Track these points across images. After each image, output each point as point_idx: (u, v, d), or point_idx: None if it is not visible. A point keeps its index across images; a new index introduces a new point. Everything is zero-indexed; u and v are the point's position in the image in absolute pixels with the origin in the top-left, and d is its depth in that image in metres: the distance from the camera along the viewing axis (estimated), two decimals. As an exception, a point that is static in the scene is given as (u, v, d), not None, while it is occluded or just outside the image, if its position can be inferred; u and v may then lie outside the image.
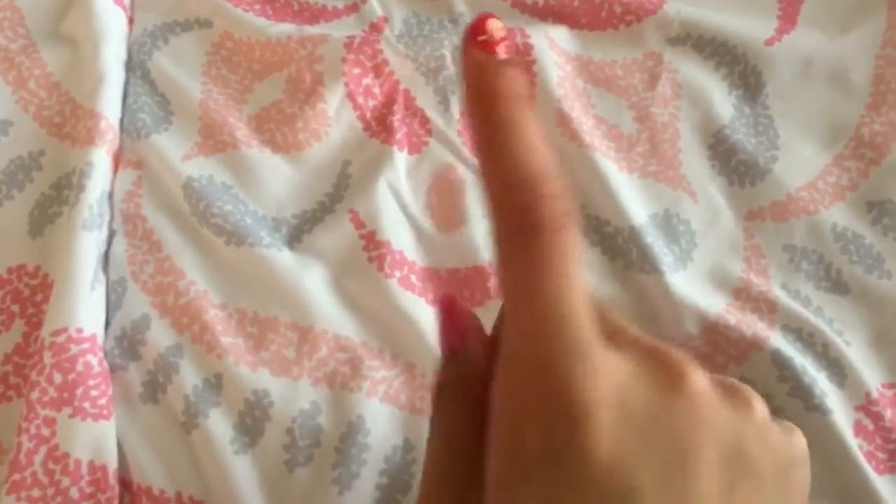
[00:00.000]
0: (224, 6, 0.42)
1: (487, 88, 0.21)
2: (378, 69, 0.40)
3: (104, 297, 0.35)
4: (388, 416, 0.33)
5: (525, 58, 0.39)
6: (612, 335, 0.21)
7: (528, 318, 0.20)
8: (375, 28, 0.42)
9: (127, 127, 0.39)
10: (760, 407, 0.22)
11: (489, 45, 0.21)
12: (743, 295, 0.35)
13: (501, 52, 0.21)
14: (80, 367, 0.32)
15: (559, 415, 0.19)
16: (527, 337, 0.20)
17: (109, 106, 0.38)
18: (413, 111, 0.39)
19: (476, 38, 0.21)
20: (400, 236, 0.36)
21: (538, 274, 0.20)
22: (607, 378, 0.19)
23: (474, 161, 0.38)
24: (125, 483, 0.32)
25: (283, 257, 0.35)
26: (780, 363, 0.33)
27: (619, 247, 0.36)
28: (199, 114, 0.39)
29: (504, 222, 0.21)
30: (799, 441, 0.22)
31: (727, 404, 0.21)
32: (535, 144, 0.21)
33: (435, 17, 0.42)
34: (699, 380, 0.21)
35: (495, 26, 0.21)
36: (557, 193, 0.20)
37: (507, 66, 0.21)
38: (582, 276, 0.20)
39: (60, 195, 0.37)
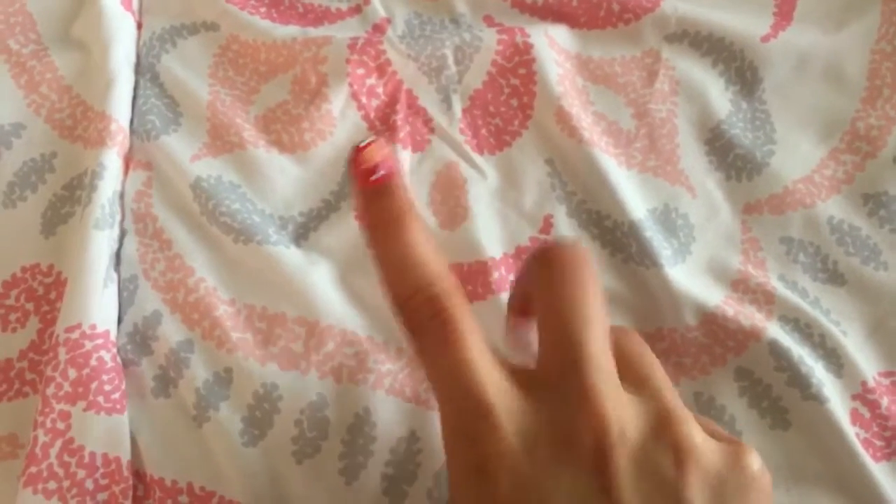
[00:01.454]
0: (230, 9, 0.42)
1: (366, 217, 0.26)
2: (381, 69, 0.40)
3: (116, 295, 0.36)
4: (394, 408, 0.33)
5: (524, 56, 0.40)
6: (635, 381, 0.24)
7: (443, 396, 0.24)
8: (378, 29, 0.42)
9: (137, 129, 0.40)
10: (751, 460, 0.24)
11: (368, 173, 0.25)
12: (741, 287, 0.36)
13: (380, 173, 0.25)
14: (93, 363, 0.33)
15: (470, 467, 0.22)
16: (445, 411, 0.24)
17: (119, 108, 0.39)
18: (416, 110, 0.40)
19: (358, 168, 0.25)
20: (404, 233, 0.37)
21: (437, 362, 0.24)
22: (514, 426, 0.22)
23: (476, 159, 0.39)
24: (138, 474, 0.33)
25: (290, 254, 0.36)
26: (778, 353, 0.34)
27: (618, 241, 0.37)
28: (206, 115, 0.40)
29: (402, 327, 0.25)
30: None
31: (720, 456, 0.23)
32: (410, 254, 0.25)
33: (436, 18, 0.43)
34: (695, 433, 0.23)
35: (370, 155, 0.25)
36: (434, 292, 0.24)
37: (381, 192, 0.25)
38: (484, 344, 0.24)
39: (73, 196, 0.38)
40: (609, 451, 0.21)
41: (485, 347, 0.24)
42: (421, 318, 0.24)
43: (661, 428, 0.23)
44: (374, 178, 0.25)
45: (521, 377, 0.24)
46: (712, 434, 0.24)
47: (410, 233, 0.25)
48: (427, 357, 0.24)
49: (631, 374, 0.25)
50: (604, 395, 0.22)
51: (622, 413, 0.22)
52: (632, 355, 0.25)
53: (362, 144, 0.25)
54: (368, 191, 0.25)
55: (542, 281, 0.25)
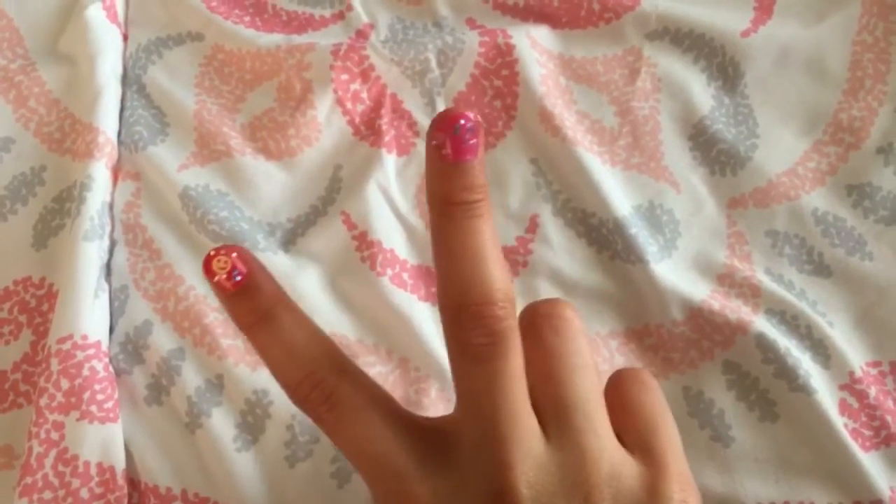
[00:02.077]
0: (215, 19, 0.43)
1: (238, 321, 0.25)
2: (365, 74, 0.41)
3: (107, 305, 0.36)
4: (385, 410, 0.34)
5: (507, 58, 0.40)
6: (635, 438, 0.24)
7: (358, 469, 0.24)
8: (362, 35, 0.43)
9: (125, 140, 0.40)
10: None
11: (226, 282, 0.24)
12: (727, 281, 0.36)
13: (237, 277, 0.24)
14: (86, 373, 0.33)
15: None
16: (365, 479, 0.24)
17: (107, 120, 0.39)
18: (400, 114, 0.40)
19: (212, 280, 0.24)
20: (391, 236, 0.37)
21: (341, 443, 0.24)
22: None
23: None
24: (133, 483, 0.33)
25: (278, 260, 0.37)
26: (765, 346, 0.34)
27: (604, 238, 0.37)
28: (193, 124, 0.40)
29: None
30: None
31: None
32: (287, 345, 0.25)
33: (419, 22, 0.43)
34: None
35: (219, 266, 0.24)
36: (318, 379, 0.24)
37: (244, 294, 0.25)
38: (386, 411, 0.24)
39: (63, 208, 0.38)
40: None
41: (387, 415, 0.24)
42: (311, 405, 0.24)
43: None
44: (232, 283, 0.24)
45: (432, 435, 0.24)
46: None
47: (282, 324, 0.25)
48: (332, 438, 0.25)
49: (631, 429, 0.24)
50: (517, 472, 0.22)
51: (540, 489, 0.22)
52: (635, 406, 0.25)
53: (210, 255, 0.24)
54: (231, 297, 0.25)
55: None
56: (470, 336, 0.22)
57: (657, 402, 0.25)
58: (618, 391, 0.25)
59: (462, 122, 0.22)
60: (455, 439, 0.23)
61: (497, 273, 0.23)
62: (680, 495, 0.23)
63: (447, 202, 0.23)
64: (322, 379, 0.24)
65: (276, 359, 0.25)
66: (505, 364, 0.23)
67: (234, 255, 0.24)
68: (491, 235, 0.23)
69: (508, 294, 0.23)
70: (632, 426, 0.24)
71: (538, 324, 0.25)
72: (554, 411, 0.23)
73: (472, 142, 0.23)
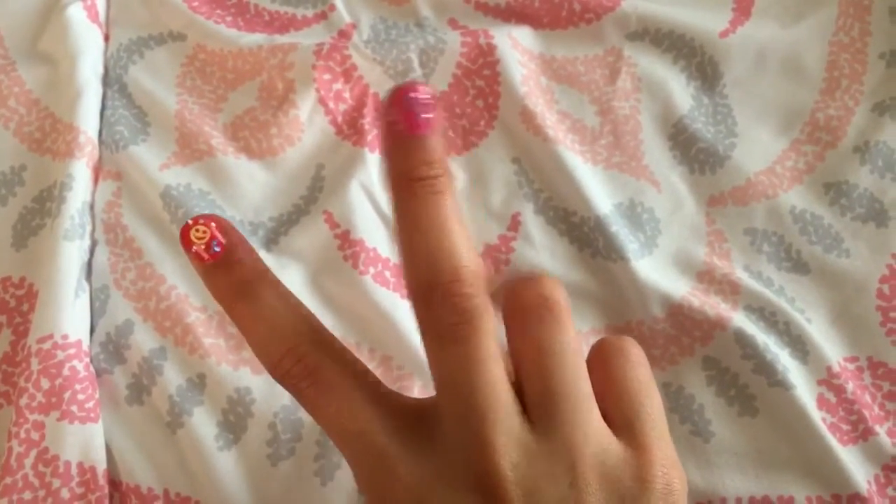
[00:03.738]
0: (196, 19, 0.43)
1: (217, 293, 0.25)
2: (347, 74, 0.41)
3: (88, 305, 0.36)
4: (367, 408, 0.34)
5: (489, 58, 0.41)
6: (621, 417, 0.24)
7: (338, 444, 0.24)
8: (344, 35, 0.43)
9: (105, 139, 0.40)
10: None
11: (203, 253, 0.24)
12: (706, 278, 0.37)
13: (215, 249, 0.24)
14: (66, 372, 0.33)
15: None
16: (345, 456, 0.24)
17: (87, 120, 0.39)
18: (383, 113, 0.40)
19: (190, 251, 0.24)
20: (373, 234, 0.37)
21: (321, 419, 0.24)
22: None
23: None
24: (114, 483, 0.33)
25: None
26: (743, 342, 0.34)
27: (585, 236, 0.37)
28: (175, 124, 0.40)
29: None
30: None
31: None
32: (267, 319, 0.24)
33: (401, 22, 0.44)
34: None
35: (199, 235, 0.24)
36: (300, 353, 0.23)
37: (224, 266, 0.24)
38: (367, 388, 0.24)
39: (43, 208, 0.38)
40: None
41: (370, 392, 0.24)
42: (293, 381, 0.23)
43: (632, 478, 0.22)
44: (210, 254, 0.24)
45: (415, 415, 0.24)
46: None
47: (263, 299, 0.24)
48: (313, 414, 0.24)
49: (616, 409, 0.24)
50: (500, 453, 0.22)
51: (524, 472, 0.22)
52: (620, 384, 0.24)
53: (188, 224, 0.24)
54: (209, 269, 0.24)
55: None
56: (440, 316, 0.22)
57: (643, 379, 0.25)
58: (603, 366, 0.25)
59: (412, 94, 0.22)
60: (437, 420, 0.23)
61: (463, 250, 0.22)
62: (663, 479, 0.23)
63: (406, 177, 0.22)
64: (304, 354, 0.23)
65: (256, 334, 0.24)
66: (478, 343, 0.22)
67: (213, 224, 0.24)
68: (454, 211, 0.23)
69: (477, 270, 0.22)
70: (617, 406, 0.24)
71: (522, 314, 0.24)
72: (539, 399, 0.23)
73: (426, 115, 0.22)
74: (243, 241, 0.24)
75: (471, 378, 0.22)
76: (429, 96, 0.22)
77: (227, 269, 0.24)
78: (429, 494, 0.22)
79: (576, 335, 0.23)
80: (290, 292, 0.25)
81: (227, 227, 0.24)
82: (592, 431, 0.23)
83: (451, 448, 0.22)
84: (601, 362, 0.25)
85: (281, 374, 0.24)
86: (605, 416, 0.23)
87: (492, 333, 0.22)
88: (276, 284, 0.25)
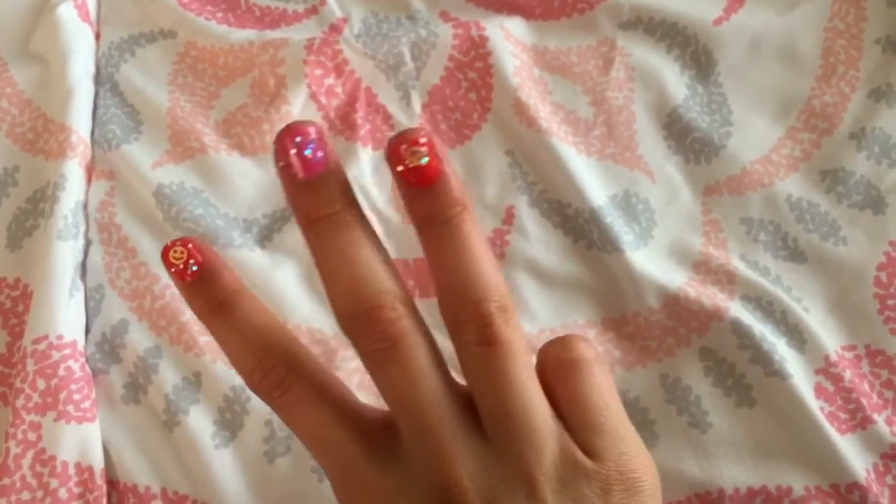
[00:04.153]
0: (187, 16, 0.43)
1: (196, 308, 0.26)
2: (339, 69, 0.41)
3: (83, 305, 0.36)
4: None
5: (481, 50, 0.40)
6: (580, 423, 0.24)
7: (313, 453, 0.25)
8: (335, 29, 0.43)
9: (98, 139, 0.40)
10: None
11: (183, 271, 0.25)
12: (703, 268, 0.36)
13: (193, 268, 0.25)
14: (62, 373, 0.33)
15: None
16: (320, 463, 0.25)
17: (79, 119, 0.39)
18: (375, 108, 0.40)
19: (170, 270, 0.25)
20: (367, 230, 0.37)
21: (294, 428, 0.25)
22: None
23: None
24: (112, 482, 0.33)
25: (254, 256, 0.36)
26: (740, 332, 0.34)
27: (580, 228, 0.37)
28: (167, 122, 0.40)
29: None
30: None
31: None
32: (243, 332, 0.25)
33: (393, 16, 0.43)
34: None
35: (176, 257, 0.25)
36: (269, 365, 0.24)
37: (202, 282, 0.25)
38: (334, 400, 0.25)
39: (36, 208, 0.38)
40: None
41: (339, 403, 0.25)
42: (265, 391, 0.25)
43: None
44: (190, 272, 0.25)
45: (381, 427, 0.25)
46: None
47: (237, 313, 0.25)
48: (287, 423, 0.25)
49: (573, 416, 0.24)
50: (457, 464, 0.22)
51: (481, 482, 0.22)
52: (574, 396, 0.25)
53: (167, 246, 0.25)
54: (189, 286, 0.25)
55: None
56: (367, 343, 0.23)
57: (597, 386, 0.25)
58: (558, 377, 0.25)
59: (298, 138, 0.22)
60: (399, 433, 0.24)
61: (380, 275, 0.23)
62: (624, 484, 0.23)
63: (310, 220, 0.23)
64: (274, 365, 0.24)
65: (231, 346, 0.25)
66: (409, 363, 0.23)
67: (190, 245, 0.25)
68: (365, 240, 0.23)
69: (398, 293, 0.23)
70: (574, 416, 0.24)
71: (466, 355, 0.24)
72: (491, 414, 0.23)
73: (319, 154, 0.22)
74: (219, 260, 0.25)
75: (411, 395, 0.23)
76: (315, 135, 0.22)
77: (204, 285, 0.25)
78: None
79: (522, 343, 0.24)
80: (265, 306, 0.26)
81: (203, 247, 0.25)
82: (546, 441, 0.23)
83: (412, 461, 0.23)
84: (555, 373, 0.25)
85: (254, 385, 0.25)
86: (565, 425, 0.24)
87: (423, 349, 0.23)
88: (251, 299, 0.26)
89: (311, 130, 0.22)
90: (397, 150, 0.22)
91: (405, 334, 0.23)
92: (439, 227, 0.23)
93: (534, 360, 0.25)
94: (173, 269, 0.25)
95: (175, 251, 0.25)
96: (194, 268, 0.25)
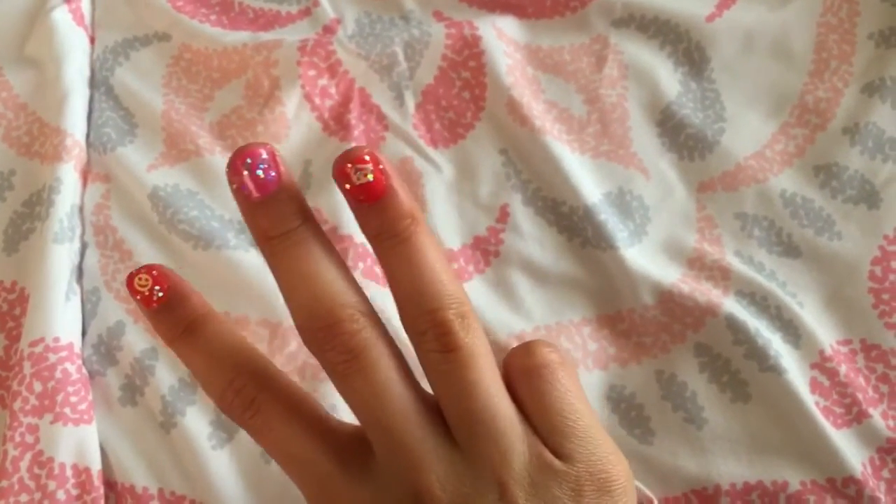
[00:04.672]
0: (181, 19, 0.43)
1: (162, 333, 0.26)
2: (332, 70, 0.41)
3: (79, 307, 0.36)
4: (359, 403, 0.34)
5: (474, 49, 0.40)
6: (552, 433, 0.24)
7: (285, 470, 0.25)
8: (328, 30, 0.43)
9: (93, 142, 0.40)
10: None
11: (149, 297, 0.25)
12: (697, 264, 0.36)
13: (159, 294, 0.25)
14: (58, 375, 0.33)
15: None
16: (293, 479, 0.25)
17: (75, 123, 0.39)
18: (369, 108, 0.40)
19: (136, 297, 0.26)
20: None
21: (265, 447, 0.25)
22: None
23: (431, 153, 0.39)
24: (110, 484, 0.33)
25: (249, 258, 0.37)
26: (735, 327, 0.34)
27: (575, 226, 0.37)
28: (162, 125, 0.40)
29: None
30: None
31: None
32: (211, 354, 0.25)
33: (386, 16, 0.43)
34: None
35: (141, 284, 0.26)
36: (238, 386, 0.24)
37: (168, 308, 0.26)
38: (306, 418, 0.25)
39: (33, 212, 0.38)
40: None
41: (310, 421, 0.25)
42: (236, 412, 0.25)
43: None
44: (155, 298, 0.25)
45: (352, 441, 0.25)
46: None
47: (204, 335, 0.25)
48: (260, 443, 0.25)
49: (542, 422, 0.24)
50: (429, 473, 0.23)
51: (453, 490, 0.23)
52: (541, 403, 0.25)
53: (132, 274, 0.26)
54: (155, 312, 0.25)
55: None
56: (330, 357, 0.23)
57: (563, 391, 0.25)
58: (524, 382, 0.25)
59: (249, 159, 0.22)
60: (370, 446, 0.24)
61: (338, 288, 0.23)
62: (594, 484, 0.23)
63: (266, 238, 0.23)
64: (243, 385, 0.24)
65: (199, 369, 0.25)
66: (373, 374, 0.23)
67: (154, 272, 0.25)
68: (323, 254, 0.23)
69: (358, 306, 0.23)
70: (542, 421, 0.24)
71: (428, 364, 0.24)
72: (458, 422, 0.23)
73: (271, 174, 0.23)
74: (183, 284, 0.26)
75: (377, 407, 0.23)
76: (266, 154, 0.23)
77: (170, 310, 0.25)
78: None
79: (483, 348, 0.24)
80: (233, 327, 0.26)
81: (168, 273, 0.26)
82: (514, 443, 0.23)
83: (384, 473, 0.23)
84: (520, 380, 0.25)
85: (226, 406, 0.25)
86: (534, 431, 0.24)
87: (386, 361, 0.23)
88: (218, 321, 0.26)
89: (262, 151, 0.23)
90: (343, 169, 0.23)
91: (367, 346, 0.23)
92: (391, 241, 0.23)
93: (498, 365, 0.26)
94: (139, 297, 0.25)
95: (140, 278, 0.25)
96: (160, 294, 0.25)
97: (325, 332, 0.23)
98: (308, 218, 0.24)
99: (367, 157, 0.23)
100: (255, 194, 0.23)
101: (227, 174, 0.23)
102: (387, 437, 0.23)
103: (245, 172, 0.23)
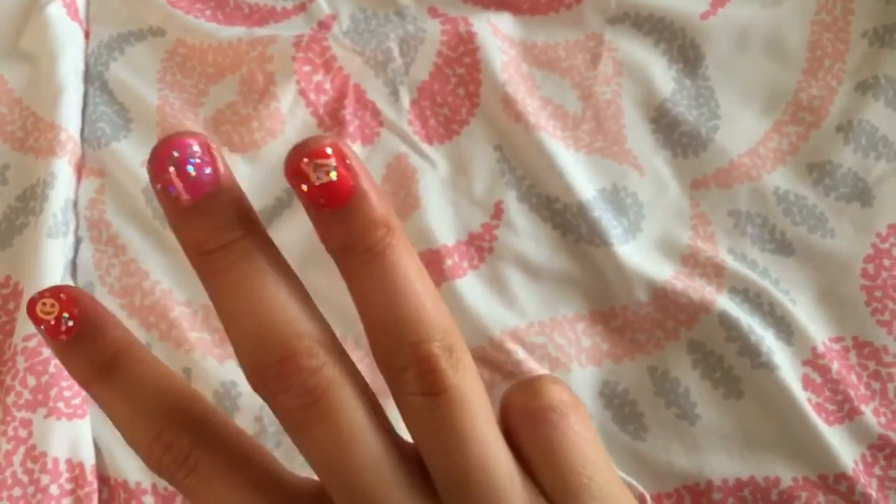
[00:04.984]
0: (176, 14, 0.43)
1: (74, 373, 0.20)
2: (327, 65, 0.41)
3: (73, 302, 0.36)
4: (353, 399, 0.34)
5: (469, 46, 0.40)
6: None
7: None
8: (324, 26, 0.43)
9: (88, 137, 0.40)
10: None
11: (56, 328, 0.20)
12: (690, 261, 0.37)
13: (68, 323, 0.20)
14: (52, 370, 0.33)
15: None
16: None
17: (69, 117, 0.39)
18: (364, 104, 0.40)
19: (39, 326, 0.20)
20: (356, 225, 0.37)
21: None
22: None
23: (426, 149, 0.39)
24: (103, 478, 0.33)
25: (244, 253, 0.37)
26: (728, 324, 0.34)
27: (568, 222, 0.37)
28: (156, 119, 0.40)
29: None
30: None
31: None
32: (134, 399, 0.20)
33: (381, 12, 0.43)
34: None
35: (43, 312, 0.20)
36: (168, 440, 0.19)
37: (80, 340, 0.20)
38: (250, 473, 0.20)
39: (27, 206, 0.38)
40: None
41: (257, 478, 0.20)
42: (167, 471, 0.20)
43: None
44: (64, 329, 0.20)
45: (309, 499, 0.20)
46: None
47: (126, 376, 0.20)
48: (191, 502, 0.20)
49: (544, 477, 0.20)
50: None
51: None
52: (543, 454, 0.20)
53: (34, 299, 0.20)
54: (64, 347, 0.20)
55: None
56: (282, 403, 0.18)
57: (575, 441, 0.21)
58: (528, 433, 0.21)
59: (175, 153, 0.17)
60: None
61: (291, 314, 0.18)
62: None
63: (200, 252, 0.18)
64: (175, 437, 0.19)
65: (121, 417, 0.20)
66: (337, 422, 0.18)
67: (62, 295, 0.20)
68: (271, 272, 0.19)
69: (316, 336, 0.19)
70: (549, 477, 0.20)
71: (408, 408, 0.20)
72: (445, 480, 0.19)
73: (205, 172, 0.18)
74: (100, 311, 0.20)
75: (343, 462, 0.18)
76: (198, 147, 0.18)
77: (83, 344, 0.20)
78: None
79: (476, 388, 0.19)
80: (161, 364, 0.21)
81: (80, 297, 0.20)
82: (515, 499, 0.19)
83: None
84: (522, 426, 0.21)
85: (154, 465, 0.20)
86: (537, 486, 0.20)
87: (351, 403, 0.19)
88: (142, 357, 0.21)
89: (193, 142, 0.18)
90: (297, 165, 0.18)
91: (328, 385, 0.18)
92: (360, 257, 0.19)
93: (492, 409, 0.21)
94: (43, 325, 0.19)
95: (44, 304, 0.20)
96: (69, 323, 0.20)
97: (276, 369, 0.18)
98: (253, 227, 0.19)
99: (328, 150, 0.18)
100: (185, 197, 0.18)
101: (148, 171, 0.18)
102: (355, 499, 0.19)
103: (171, 169, 0.17)
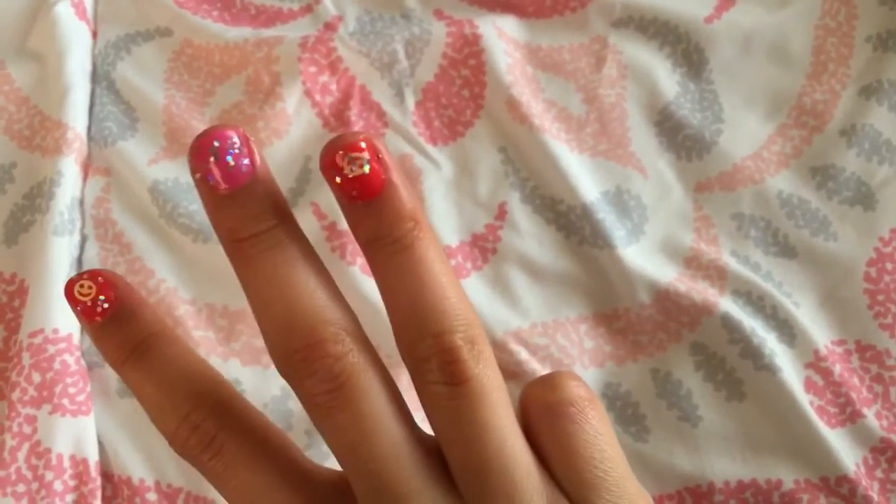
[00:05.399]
0: (183, 14, 0.43)
1: (109, 354, 0.21)
2: (333, 66, 0.41)
3: (78, 299, 0.36)
4: (356, 398, 0.34)
5: (474, 48, 0.41)
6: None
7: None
8: (330, 27, 0.43)
9: (94, 136, 0.40)
10: None
11: (91, 310, 0.21)
12: (693, 264, 0.37)
13: (104, 305, 0.20)
14: (57, 366, 0.33)
15: None
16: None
17: (76, 116, 0.40)
18: (369, 105, 0.41)
19: (76, 307, 0.21)
20: (360, 225, 0.37)
21: (223, 492, 0.20)
22: None
23: (430, 150, 0.40)
24: (107, 475, 0.33)
25: (248, 252, 0.37)
26: (731, 326, 0.34)
27: (572, 224, 0.37)
28: (163, 119, 0.40)
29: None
30: None
31: None
32: (163, 382, 0.20)
33: (387, 14, 0.44)
34: None
35: (83, 291, 0.21)
36: (196, 421, 0.20)
37: (117, 322, 0.21)
38: (272, 460, 0.20)
39: (33, 204, 0.38)
40: None
41: (281, 464, 0.20)
42: (192, 453, 0.20)
43: None
44: (99, 311, 0.21)
45: (331, 491, 0.21)
46: None
47: (156, 359, 0.21)
48: (220, 490, 0.21)
49: (561, 474, 0.21)
50: None
51: None
52: (562, 450, 0.21)
53: (72, 280, 0.21)
54: (98, 328, 0.21)
55: None
56: (308, 387, 0.19)
57: (592, 436, 0.21)
58: (546, 428, 0.21)
59: (216, 143, 0.18)
60: (354, 498, 0.20)
61: (320, 303, 0.19)
62: None
63: (234, 240, 0.19)
64: (201, 421, 0.20)
65: (150, 400, 0.21)
66: (360, 409, 0.19)
67: (100, 279, 0.21)
68: (302, 261, 0.19)
69: (342, 324, 0.19)
70: (566, 472, 0.21)
71: (429, 398, 0.20)
72: (464, 472, 0.20)
73: (243, 162, 0.19)
74: (135, 295, 0.21)
75: (364, 449, 0.19)
76: (237, 139, 0.19)
77: (117, 326, 0.21)
78: None
79: (496, 381, 0.20)
80: (191, 350, 0.22)
81: (117, 281, 0.21)
82: (531, 499, 0.20)
83: None
84: (541, 420, 0.21)
85: (180, 446, 0.20)
86: (554, 479, 0.20)
87: (375, 391, 0.19)
88: (174, 341, 0.22)
89: (233, 134, 0.19)
90: (332, 158, 0.18)
91: (354, 373, 0.19)
92: (388, 248, 0.19)
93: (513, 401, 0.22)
94: (79, 307, 0.21)
95: (82, 285, 0.21)
96: (105, 305, 0.21)
97: (303, 353, 0.19)
98: (286, 217, 0.20)
99: (362, 145, 0.18)
100: (224, 186, 0.18)
101: (189, 161, 0.19)
102: (374, 485, 0.19)
103: (212, 159, 0.18)
